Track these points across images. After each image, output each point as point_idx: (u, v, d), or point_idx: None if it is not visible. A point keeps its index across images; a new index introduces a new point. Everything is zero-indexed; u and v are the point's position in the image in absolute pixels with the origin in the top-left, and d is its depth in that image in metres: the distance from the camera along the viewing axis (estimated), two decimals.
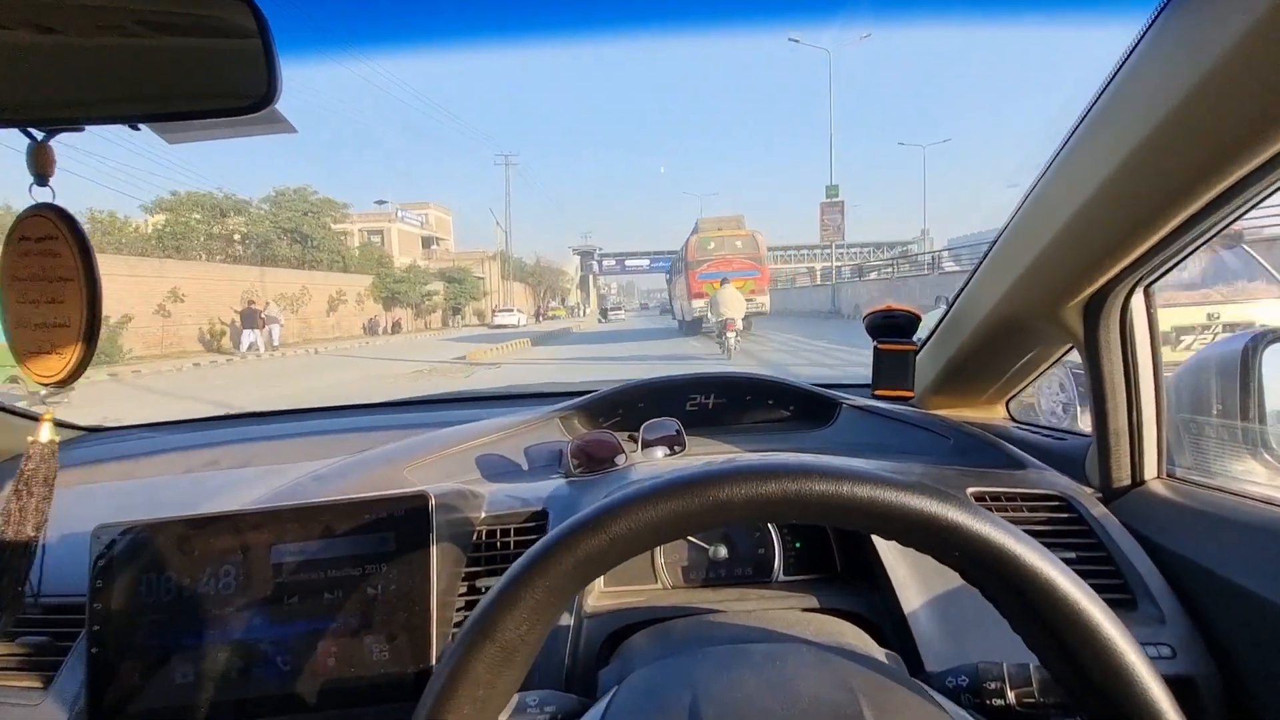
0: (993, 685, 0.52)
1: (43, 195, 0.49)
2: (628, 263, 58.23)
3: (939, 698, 0.47)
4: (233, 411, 1.54)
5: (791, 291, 38.07)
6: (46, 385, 0.51)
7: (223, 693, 0.66)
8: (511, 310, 35.56)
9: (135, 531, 0.69)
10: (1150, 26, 0.58)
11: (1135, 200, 0.66)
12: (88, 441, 1.27)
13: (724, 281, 12.65)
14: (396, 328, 30.53)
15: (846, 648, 0.57)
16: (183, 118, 0.50)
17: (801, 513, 0.40)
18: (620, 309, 52.47)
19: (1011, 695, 0.52)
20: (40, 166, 0.49)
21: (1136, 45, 0.59)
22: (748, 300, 12.36)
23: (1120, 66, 0.62)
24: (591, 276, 58.29)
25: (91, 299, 0.49)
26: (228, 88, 0.49)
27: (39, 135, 0.49)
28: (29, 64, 0.48)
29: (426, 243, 42.75)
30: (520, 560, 0.40)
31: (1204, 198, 0.61)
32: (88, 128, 0.50)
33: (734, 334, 11.54)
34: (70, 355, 0.49)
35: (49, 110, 0.49)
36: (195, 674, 0.66)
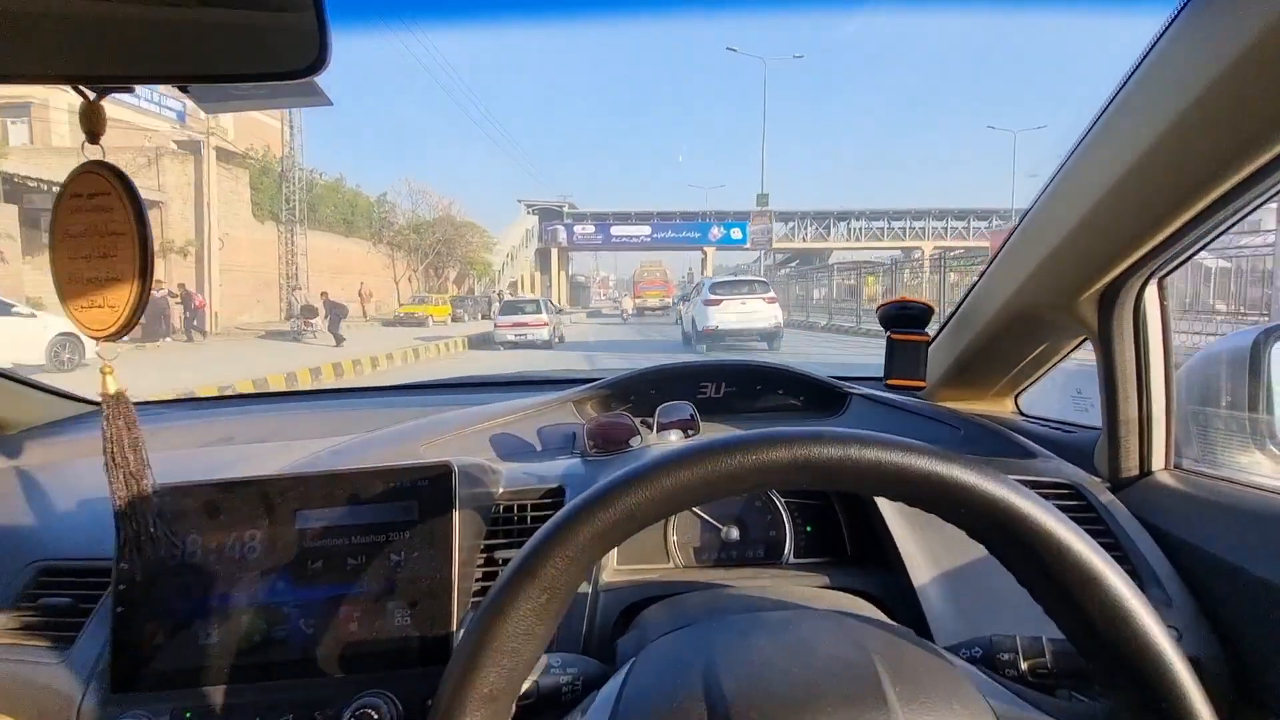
0: (1006, 656, 0.54)
1: (94, 153, 0.50)
2: (614, 230, 37.50)
3: (950, 656, 0.49)
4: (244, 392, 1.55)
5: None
6: (99, 338, 0.52)
7: (245, 655, 0.67)
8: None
9: (163, 494, 0.70)
10: (1172, 22, 0.59)
11: (1152, 193, 0.67)
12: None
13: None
14: None
15: (861, 614, 0.58)
16: (231, 79, 0.51)
17: (811, 477, 0.40)
18: (621, 309, 32.79)
19: (1024, 665, 0.53)
20: (92, 124, 0.50)
21: (1157, 40, 0.61)
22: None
23: (1140, 61, 0.63)
24: (557, 251, 38.95)
25: (144, 254, 0.50)
26: (278, 54, 0.50)
27: (91, 94, 0.50)
28: (82, 24, 0.49)
29: None
30: (539, 532, 0.41)
31: (1219, 190, 0.62)
32: (137, 87, 0.52)
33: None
34: (123, 309, 0.51)
35: (101, 69, 0.50)
36: (218, 636, 0.67)
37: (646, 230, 38.59)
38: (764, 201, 35.31)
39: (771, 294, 13.63)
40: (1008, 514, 0.39)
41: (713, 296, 13.28)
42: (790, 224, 37.46)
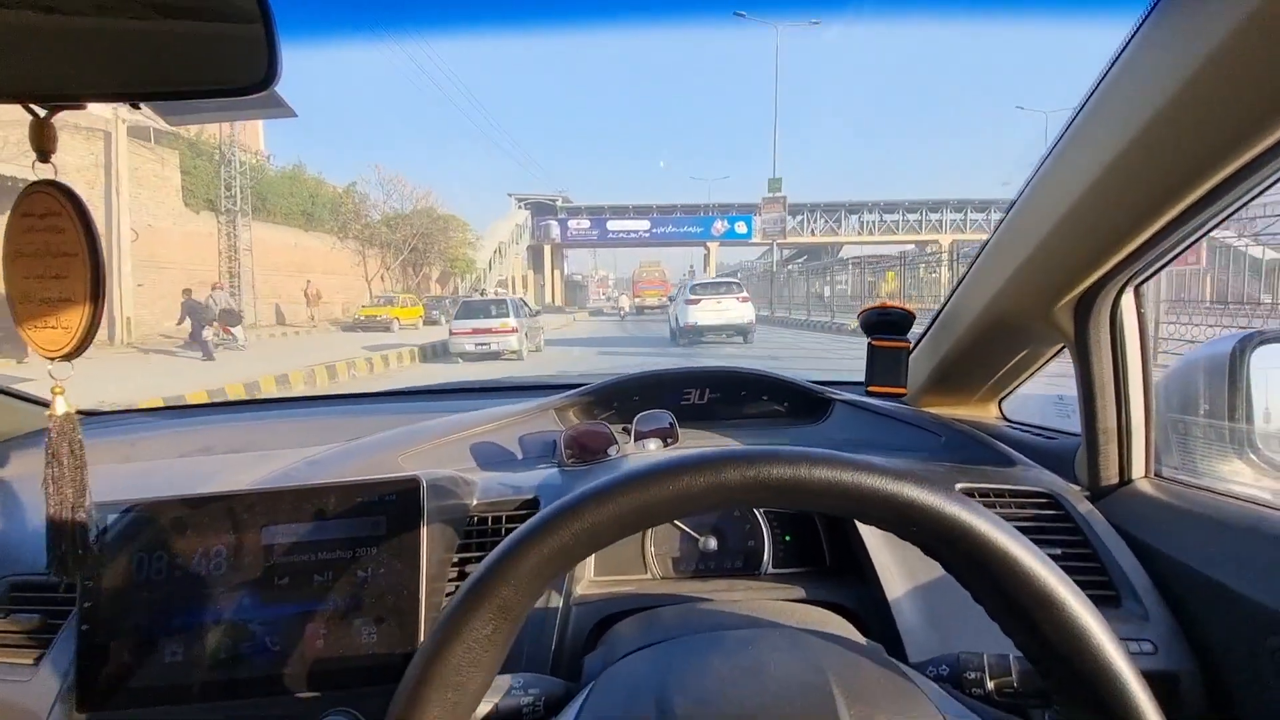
0: (972, 675, 0.53)
1: (45, 171, 0.50)
2: (611, 225, 35.47)
3: (910, 671, 0.48)
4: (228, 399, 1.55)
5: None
6: (53, 358, 0.52)
7: (212, 672, 0.66)
8: None
9: (130, 511, 0.70)
10: (1139, 28, 0.58)
11: (1125, 200, 0.67)
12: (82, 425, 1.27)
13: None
14: None
15: (823, 632, 0.57)
16: (183, 97, 0.51)
17: (764, 497, 0.40)
18: (619, 308, 30.76)
19: (991, 684, 0.53)
20: (42, 143, 0.49)
21: (1125, 47, 0.60)
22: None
23: (1110, 68, 0.62)
24: (550, 248, 37.28)
25: (95, 275, 0.50)
26: (228, 69, 0.50)
27: (41, 112, 0.50)
28: (31, 41, 0.49)
29: None
30: (486, 560, 0.40)
31: (1192, 196, 0.62)
32: (89, 105, 0.51)
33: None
34: (76, 330, 0.50)
35: (50, 87, 0.49)
36: (185, 653, 0.67)
37: (645, 225, 36.02)
38: (776, 186, 30.41)
39: (744, 294, 15.02)
40: (957, 530, 0.38)
41: (692, 297, 14.79)
42: (799, 217, 34.85)
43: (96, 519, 0.69)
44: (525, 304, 14.35)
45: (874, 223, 35.00)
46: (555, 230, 35.89)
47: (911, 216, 34.21)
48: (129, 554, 0.68)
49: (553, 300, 39.68)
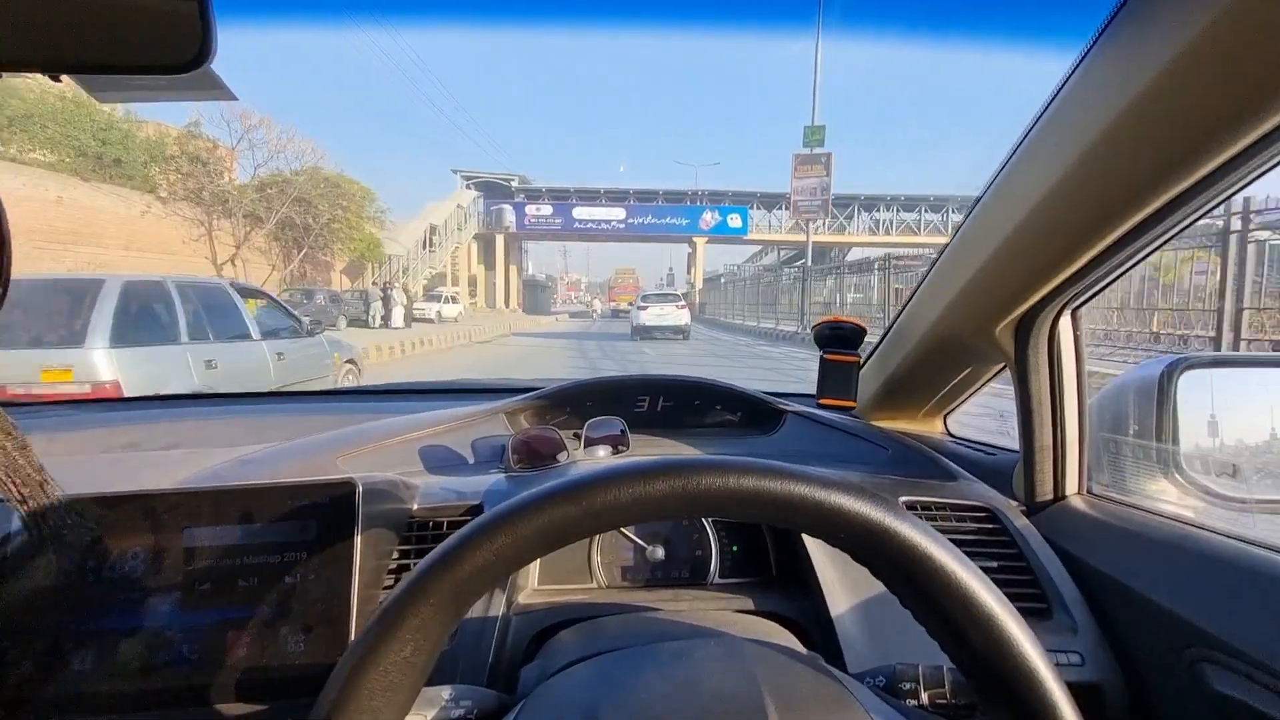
0: (907, 685, 0.54)
1: None
2: (579, 212, 29.73)
3: (844, 678, 0.48)
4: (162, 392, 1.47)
5: None
6: None
7: (124, 682, 0.62)
8: None
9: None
10: (1082, 60, 0.60)
11: (1065, 224, 0.69)
12: None
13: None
14: None
15: (759, 641, 0.57)
16: (106, 71, 0.47)
17: (694, 508, 0.39)
18: (592, 310, 28.43)
19: (925, 695, 0.53)
20: None
21: (1070, 75, 0.62)
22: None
23: (1054, 96, 0.64)
24: (504, 238, 30.83)
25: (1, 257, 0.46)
26: (157, 44, 0.47)
27: None
28: None
29: None
30: (404, 580, 0.39)
31: (1129, 223, 0.64)
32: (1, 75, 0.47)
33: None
34: None
35: None
36: (95, 662, 0.63)
37: (619, 214, 29.85)
38: (818, 139, 19.96)
39: (682, 303, 20.18)
40: (883, 537, 0.38)
41: (642, 304, 20.30)
42: (769, 214, 30.50)
43: None
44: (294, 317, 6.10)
45: (891, 221, 30.55)
46: (510, 216, 29.73)
47: (933, 216, 29.99)
48: (33, 557, 0.64)
49: (506, 303, 33.10)
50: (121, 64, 0.46)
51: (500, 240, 31.42)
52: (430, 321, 21.44)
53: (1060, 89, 0.63)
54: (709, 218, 30.19)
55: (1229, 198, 0.60)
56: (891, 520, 0.38)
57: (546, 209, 30.24)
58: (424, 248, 26.73)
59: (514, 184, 31.39)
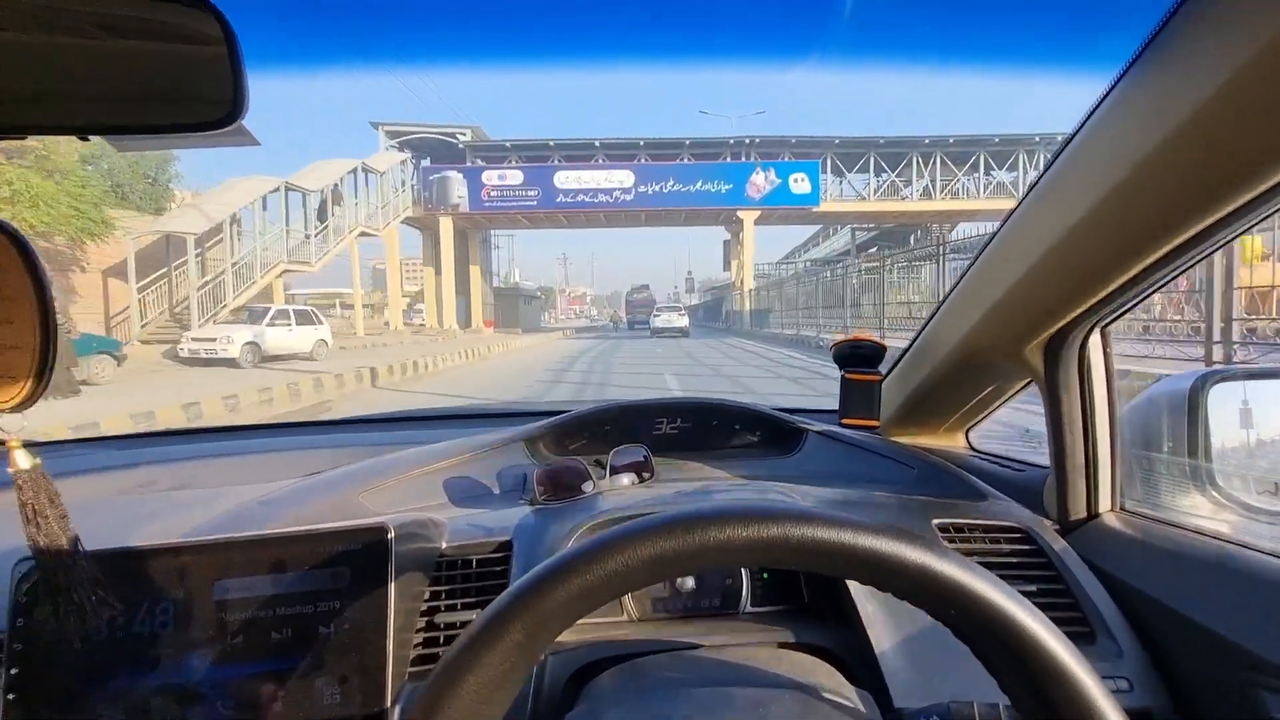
0: None
1: None
2: (561, 179, 19.68)
3: None
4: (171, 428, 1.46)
5: None
6: (2, 410, 0.47)
7: None
8: None
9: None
10: (1117, 82, 0.60)
11: (1097, 249, 0.68)
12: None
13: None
14: None
15: (825, 692, 0.56)
16: (140, 132, 0.47)
17: (747, 558, 0.40)
18: (613, 319, 22.87)
19: None
20: None
21: (1104, 99, 0.61)
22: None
23: (1087, 118, 0.64)
24: (449, 221, 19.87)
25: (45, 319, 0.46)
26: (190, 102, 0.46)
27: None
28: None
29: None
30: (502, 597, 0.39)
31: (1165, 248, 0.63)
32: (32, 137, 0.47)
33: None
34: (25, 379, 0.46)
35: None
36: None
37: (627, 179, 19.57)
38: None
39: (682, 311, 27.69)
40: (936, 582, 0.39)
41: (657, 314, 27.53)
42: (842, 180, 21.29)
43: (24, 572, 0.63)
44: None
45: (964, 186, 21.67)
46: (459, 188, 18.90)
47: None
48: (67, 618, 0.62)
49: (470, 321, 22.96)
50: (160, 124, 0.45)
51: (445, 226, 19.81)
52: (230, 362, 11.90)
53: (1097, 107, 0.62)
54: (760, 180, 20.25)
55: (1265, 218, 0.59)
56: (961, 574, 0.39)
57: (515, 176, 19.49)
58: (266, 222, 15.72)
59: (465, 140, 20.29)
